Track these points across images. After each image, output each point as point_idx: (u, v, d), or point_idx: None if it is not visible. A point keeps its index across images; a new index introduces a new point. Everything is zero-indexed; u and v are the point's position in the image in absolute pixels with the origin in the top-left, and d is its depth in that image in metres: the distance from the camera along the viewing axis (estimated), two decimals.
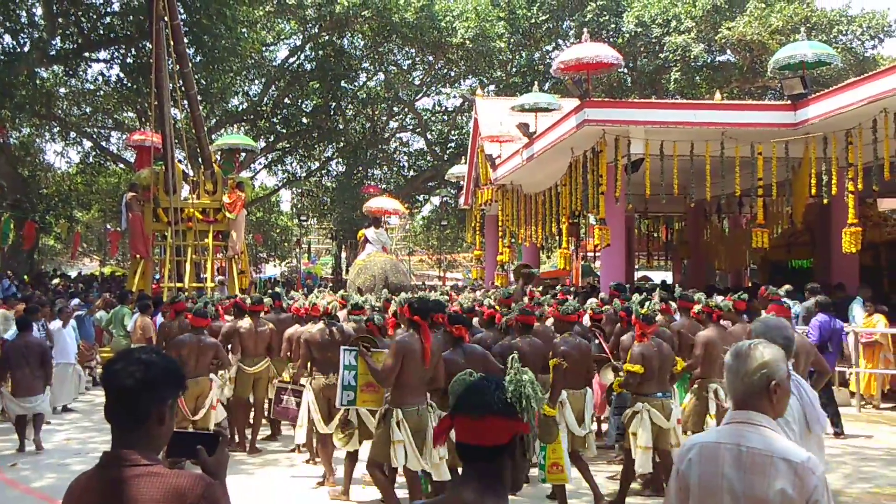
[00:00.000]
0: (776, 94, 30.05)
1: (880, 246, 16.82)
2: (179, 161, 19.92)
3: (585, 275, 28.59)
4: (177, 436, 2.44)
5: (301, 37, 34.35)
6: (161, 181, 17.98)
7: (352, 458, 7.39)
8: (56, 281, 26.83)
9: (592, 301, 11.15)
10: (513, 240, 20.84)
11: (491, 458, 2.07)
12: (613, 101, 21.29)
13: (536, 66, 33.95)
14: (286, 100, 34.83)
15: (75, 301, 17.08)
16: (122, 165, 34.41)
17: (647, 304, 8.03)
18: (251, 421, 9.81)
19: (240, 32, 26.64)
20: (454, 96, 39.00)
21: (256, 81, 35.35)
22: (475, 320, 8.96)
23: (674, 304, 9.27)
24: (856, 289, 14.21)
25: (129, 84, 26.41)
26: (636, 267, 25.93)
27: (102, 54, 28.02)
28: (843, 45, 29.46)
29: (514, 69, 34.66)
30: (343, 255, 40.83)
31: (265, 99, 34.67)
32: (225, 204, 18.58)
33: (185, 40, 19.23)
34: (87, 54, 27.26)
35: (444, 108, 39.76)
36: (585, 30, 18.68)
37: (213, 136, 26.97)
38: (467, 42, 31.37)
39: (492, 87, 33.99)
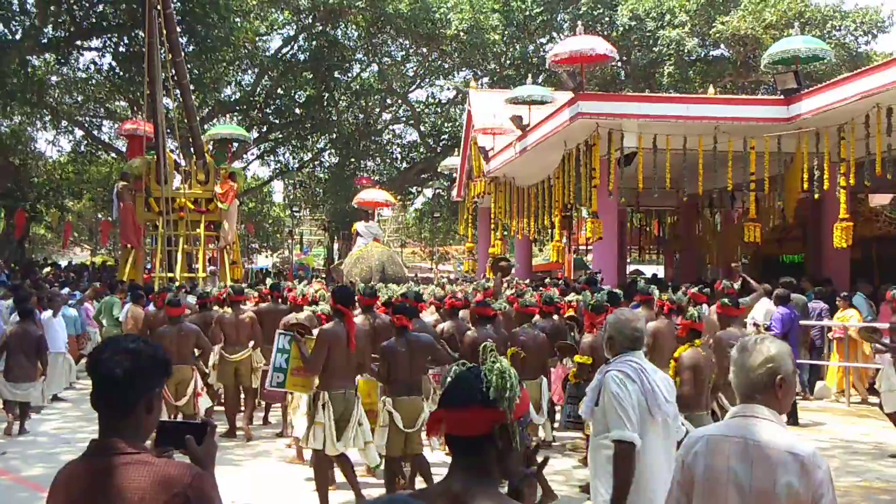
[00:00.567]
0: (769, 88, 30.03)
1: (871, 241, 16.86)
2: (171, 151, 19.88)
3: (578, 268, 28.61)
4: (165, 426, 2.45)
5: (294, 27, 34.24)
6: (153, 171, 17.93)
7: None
8: (46, 270, 26.72)
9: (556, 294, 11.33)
10: (505, 232, 20.85)
11: (476, 448, 2.09)
12: (607, 94, 21.32)
13: (530, 59, 33.88)
14: (279, 90, 34.70)
15: (66, 290, 17.02)
16: (113, 155, 34.28)
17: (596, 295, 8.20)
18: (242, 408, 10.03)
19: (233, 22, 26.58)
20: (448, 88, 38.98)
21: (249, 71, 35.21)
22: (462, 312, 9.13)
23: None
24: (847, 284, 14.30)
25: (122, 73, 26.33)
26: (628, 261, 25.97)
27: (95, 43, 27.89)
28: (836, 41, 29.48)
29: (507, 61, 34.60)
30: (335, 246, 40.78)
31: (258, 89, 34.55)
32: (217, 194, 18.52)
33: (178, 29, 19.17)
34: (79, 42, 27.15)
35: (437, 99, 39.69)
36: (580, 22, 18.71)
37: (206, 126, 26.83)
38: (461, 34, 31.29)
39: (485, 80, 33.91)
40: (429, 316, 9.80)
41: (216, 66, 28.19)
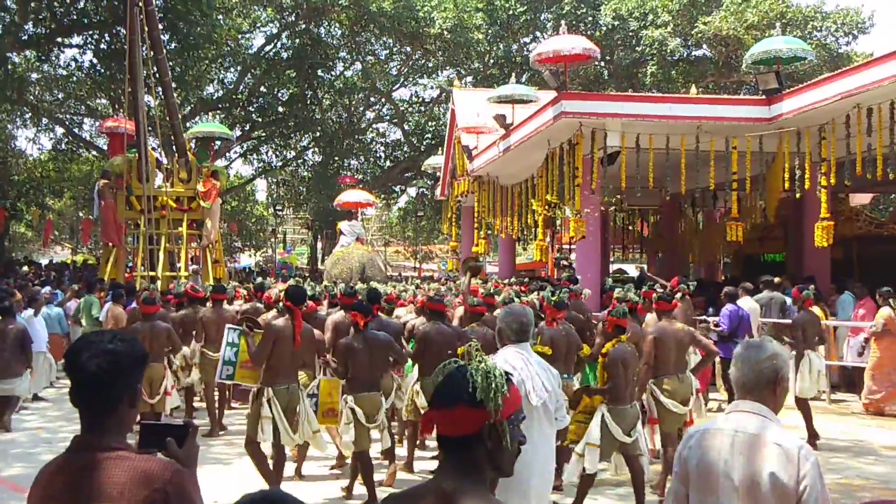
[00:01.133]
0: (751, 88, 30.23)
1: (852, 240, 17.00)
2: (153, 149, 19.76)
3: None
4: (147, 427, 2.44)
5: (277, 25, 34.11)
6: (134, 169, 17.79)
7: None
8: (25, 269, 26.52)
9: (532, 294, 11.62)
10: (488, 231, 20.84)
11: (465, 447, 2.10)
12: (590, 93, 21.35)
13: (514, 58, 33.93)
14: (262, 88, 34.54)
15: (47, 288, 16.89)
16: (94, 152, 34.04)
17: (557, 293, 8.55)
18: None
19: (215, 19, 26.43)
20: (431, 87, 38.97)
21: (232, 69, 35.06)
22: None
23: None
24: (828, 283, 14.39)
25: (103, 70, 26.12)
26: (611, 259, 26.05)
27: (76, 40, 27.65)
28: (817, 41, 29.70)
29: (491, 60, 34.62)
30: (319, 245, 40.68)
31: (241, 87, 34.39)
32: (199, 192, 18.40)
33: (160, 26, 19.06)
34: (59, 39, 26.90)
35: (421, 98, 39.68)
36: (563, 22, 18.69)
37: (188, 124, 26.70)
38: (445, 33, 31.29)
39: (469, 79, 33.94)
40: (406, 315, 9.95)
41: (198, 63, 28.02)
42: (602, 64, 31.75)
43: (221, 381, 7.78)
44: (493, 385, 2.09)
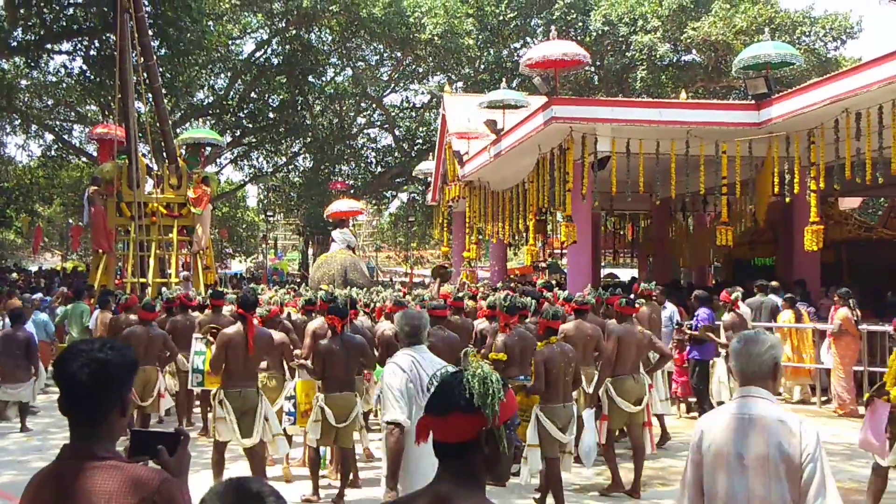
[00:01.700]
0: (740, 93, 30.36)
1: (841, 244, 17.08)
2: (143, 155, 19.68)
3: (553, 272, 28.69)
4: (137, 435, 2.44)
5: (268, 31, 34.08)
6: (124, 175, 17.72)
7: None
8: (14, 276, 26.39)
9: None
10: (480, 236, 20.86)
11: (461, 453, 2.10)
12: (580, 98, 21.41)
13: (504, 63, 33.99)
14: (253, 94, 34.51)
15: (37, 295, 16.80)
16: (84, 159, 33.90)
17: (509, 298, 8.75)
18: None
19: (205, 25, 26.39)
20: (422, 93, 39.02)
21: (222, 75, 34.99)
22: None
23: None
24: (818, 286, 14.44)
25: (93, 76, 26.04)
26: (602, 264, 26.09)
27: (65, 46, 27.53)
28: (806, 46, 29.85)
29: (482, 66, 34.68)
30: (310, 251, 40.60)
31: (231, 93, 34.34)
32: (190, 199, 18.35)
33: (150, 33, 19.00)
34: (49, 46, 26.79)
35: (412, 104, 39.71)
36: (553, 27, 18.76)
37: (178, 130, 26.64)
38: (436, 38, 31.32)
39: (460, 84, 33.97)
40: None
41: (189, 69, 27.95)
42: (592, 69, 31.80)
43: (192, 388, 8.25)
44: (491, 391, 2.09)
